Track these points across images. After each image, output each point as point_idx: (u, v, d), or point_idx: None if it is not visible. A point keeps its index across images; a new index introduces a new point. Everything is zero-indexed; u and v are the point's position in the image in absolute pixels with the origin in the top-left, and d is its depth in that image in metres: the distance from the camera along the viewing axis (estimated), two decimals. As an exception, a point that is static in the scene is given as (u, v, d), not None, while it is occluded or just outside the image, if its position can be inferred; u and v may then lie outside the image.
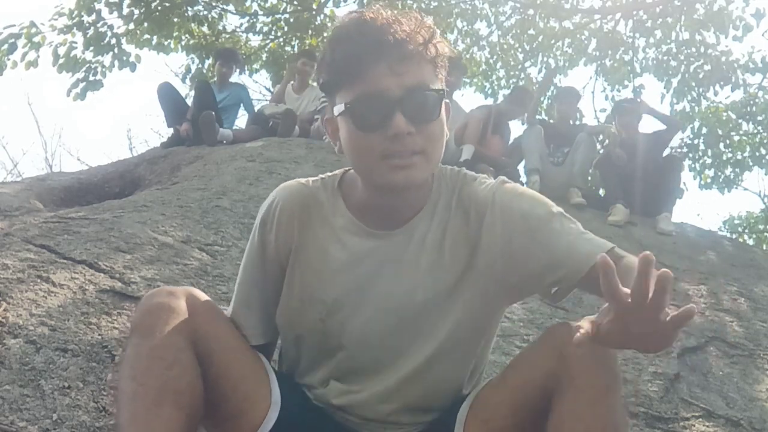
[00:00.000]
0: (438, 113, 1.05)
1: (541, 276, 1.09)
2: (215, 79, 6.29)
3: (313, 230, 1.16)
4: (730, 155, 8.79)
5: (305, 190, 1.18)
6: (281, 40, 9.04)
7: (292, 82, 6.24)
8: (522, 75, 9.06)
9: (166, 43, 8.04)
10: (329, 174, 1.21)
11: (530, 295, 1.23)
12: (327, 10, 8.88)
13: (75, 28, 7.12)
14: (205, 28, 8.51)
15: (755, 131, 8.84)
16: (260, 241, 1.20)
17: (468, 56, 9.16)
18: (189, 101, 6.11)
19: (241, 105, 6.27)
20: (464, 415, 1.12)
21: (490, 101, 7.29)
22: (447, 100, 1.09)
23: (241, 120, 6.92)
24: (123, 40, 7.47)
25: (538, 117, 5.80)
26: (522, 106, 5.72)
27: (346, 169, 1.19)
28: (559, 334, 1.04)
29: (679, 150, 7.76)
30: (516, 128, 6.58)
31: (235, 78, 6.38)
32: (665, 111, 7.00)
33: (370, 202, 1.13)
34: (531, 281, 1.11)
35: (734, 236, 11.13)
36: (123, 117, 29.17)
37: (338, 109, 1.05)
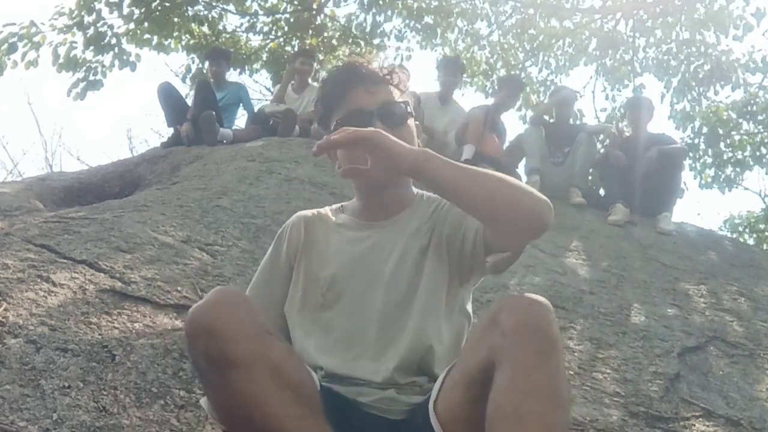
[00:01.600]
0: (406, 119, 1.37)
1: (464, 239, 1.32)
2: (212, 80, 6.31)
3: (317, 232, 1.46)
4: (730, 155, 8.78)
5: (313, 213, 1.51)
6: (281, 40, 9.04)
7: (292, 82, 6.24)
8: (522, 75, 9.06)
9: (166, 42, 8.04)
10: (335, 205, 1.54)
11: (473, 271, 1.36)
12: (327, 10, 8.89)
13: (75, 27, 7.12)
14: (205, 28, 8.51)
15: (756, 131, 8.84)
16: (275, 250, 1.48)
17: (468, 56, 9.16)
18: (189, 101, 6.12)
19: (241, 104, 6.29)
20: (435, 394, 1.19)
21: (490, 101, 7.28)
22: (416, 122, 1.41)
23: (241, 120, 6.93)
24: (123, 40, 7.47)
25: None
26: (513, 95, 5.79)
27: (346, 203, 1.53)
28: (495, 306, 1.15)
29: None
30: (516, 128, 6.57)
31: (234, 77, 6.41)
32: (665, 111, 7.00)
33: (362, 201, 1.45)
34: (461, 247, 1.33)
35: (734, 236, 11.14)
36: (123, 117, 29.19)
37: (332, 128, 1.35)
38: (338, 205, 1.53)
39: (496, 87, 6.08)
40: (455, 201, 1.20)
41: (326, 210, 1.51)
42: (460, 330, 1.39)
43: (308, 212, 1.51)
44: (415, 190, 1.48)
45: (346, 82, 1.37)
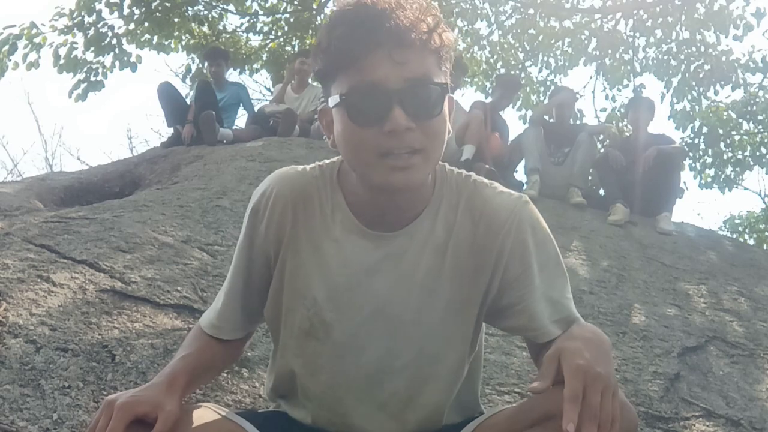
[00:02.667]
0: (440, 109, 0.96)
1: (512, 315, 1.08)
2: (212, 80, 6.32)
3: (307, 223, 1.07)
4: (730, 154, 8.77)
5: (302, 179, 1.09)
6: (281, 40, 9.04)
7: (291, 81, 6.25)
8: (523, 75, 9.06)
9: (166, 43, 8.05)
10: (327, 162, 1.12)
11: (495, 326, 1.17)
12: (327, 10, 8.88)
13: (75, 28, 7.12)
14: (205, 28, 8.52)
15: (756, 130, 8.83)
16: (250, 230, 1.12)
17: (469, 56, 9.16)
18: (189, 101, 6.12)
19: (241, 105, 6.29)
20: None
21: (490, 101, 7.29)
22: (451, 95, 1.00)
23: (241, 120, 6.94)
24: (123, 41, 7.48)
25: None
26: (512, 92, 5.84)
27: None
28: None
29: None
30: (516, 128, 6.58)
31: (234, 77, 6.42)
32: (665, 111, 7.00)
33: (367, 199, 1.04)
34: (504, 313, 1.10)
35: (734, 236, 11.14)
36: (123, 117, 29.18)
37: (333, 100, 0.97)
38: (334, 168, 1.10)
39: (494, 85, 6.11)
40: None
41: (317, 177, 1.09)
42: (476, 380, 1.22)
43: (296, 179, 1.09)
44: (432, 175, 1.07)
45: (363, 37, 0.91)
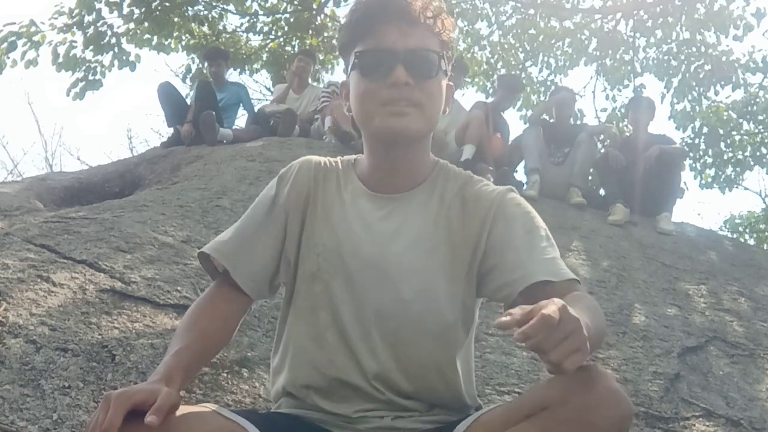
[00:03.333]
0: (436, 72, 1.16)
1: (496, 273, 1.16)
2: (212, 80, 6.32)
3: (325, 191, 1.25)
4: (730, 154, 8.78)
5: (324, 160, 1.30)
6: (281, 40, 9.03)
7: (284, 83, 6.26)
8: (523, 75, 9.06)
9: (166, 42, 8.05)
10: (346, 157, 1.33)
11: (483, 294, 1.22)
12: (327, 10, 8.89)
13: (75, 27, 7.12)
14: (205, 28, 8.52)
15: (756, 131, 8.84)
16: (273, 191, 1.28)
17: (469, 56, 9.16)
18: (189, 101, 6.12)
19: (241, 105, 6.29)
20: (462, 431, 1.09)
21: (491, 100, 7.29)
22: (450, 84, 1.22)
23: (241, 120, 6.94)
24: (123, 40, 7.48)
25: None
26: (513, 93, 5.84)
27: (360, 155, 1.30)
28: (578, 380, 0.96)
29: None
30: (516, 128, 6.58)
31: (234, 77, 6.42)
32: (666, 111, 7.01)
33: (374, 163, 1.23)
34: (489, 275, 1.18)
35: (735, 236, 11.15)
36: (123, 117, 29.17)
37: (350, 63, 1.18)
38: (351, 158, 1.31)
39: (495, 86, 6.12)
40: None
41: (337, 162, 1.30)
42: (469, 355, 1.26)
43: (319, 159, 1.30)
44: (431, 157, 1.27)
45: (379, 13, 1.15)
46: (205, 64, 6.68)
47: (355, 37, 1.17)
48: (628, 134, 5.64)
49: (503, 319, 0.84)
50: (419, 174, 1.23)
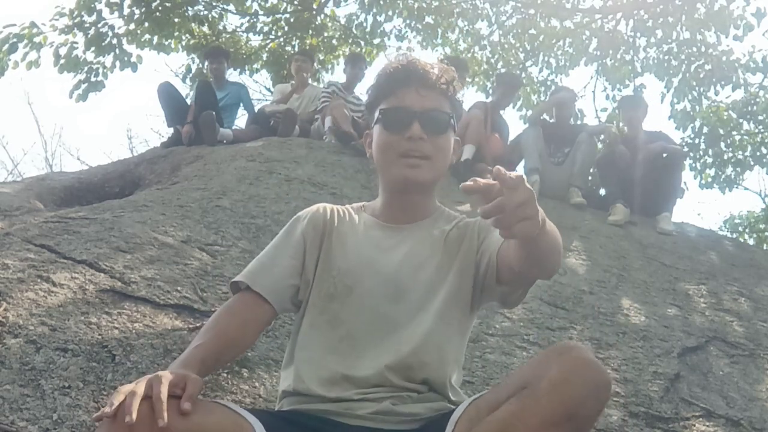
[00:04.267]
0: (446, 130, 1.37)
1: (482, 263, 1.32)
2: (212, 79, 6.32)
3: (339, 223, 1.43)
4: (730, 154, 8.77)
5: (336, 207, 1.48)
6: (281, 40, 9.03)
7: (291, 81, 6.26)
8: (523, 75, 9.06)
9: (166, 43, 8.04)
10: (355, 204, 1.54)
11: (488, 291, 1.35)
12: (327, 10, 8.89)
13: (76, 28, 7.11)
14: (205, 28, 8.52)
15: (756, 131, 8.83)
16: (291, 226, 1.45)
17: (469, 56, 9.16)
18: (189, 101, 6.12)
19: (241, 104, 6.29)
20: (457, 416, 1.15)
21: (490, 100, 7.28)
22: (457, 138, 1.44)
23: (241, 120, 6.93)
24: (124, 41, 7.47)
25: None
26: (513, 90, 5.84)
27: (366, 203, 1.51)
28: (550, 355, 1.10)
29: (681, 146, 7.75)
30: (517, 127, 6.58)
31: (234, 77, 6.42)
32: (665, 111, 7.01)
33: (387, 200, 1.42)
34: (481, 272, 1.33)
35: (735, 236, 11.14)
36: (123, 117, 29.17)
37: (375, 118, 1.39)
38: (360, 204, 1.53)
39: (494, 85, 6.12)
40: (533, 255, 1.12)
41: (348, 207, 1.50)
42: (460, 352, 1.39)
43: (331, 205, 1.49)
44: (436, 202, 1.48)
45: (402, 79, 1.37)
46: (206, 63, 6.69)
47: (381, 96, 1.39)
48: (628, 131, 5.63)
49: (467, 183, 0.97)
50: (425, 212, 1.43)
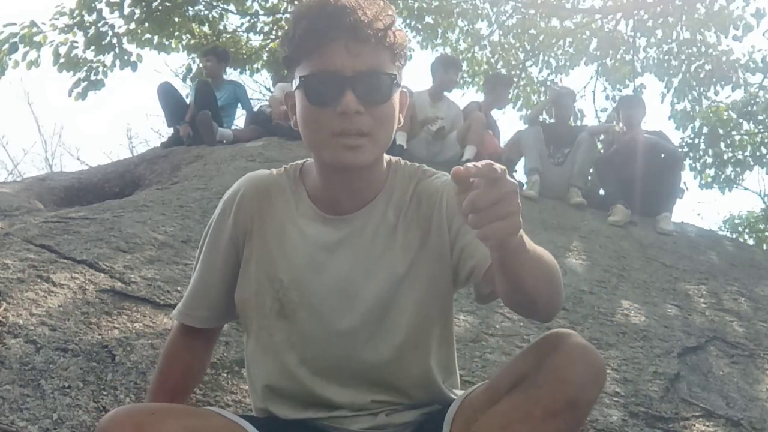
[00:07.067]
0: (389, 97, 1.06)
1: (464, 257, 1.11)
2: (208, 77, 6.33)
3: (272, 214, 1.18)
4: (730, 154, 8.78)
5: (269, 178, 1.21)
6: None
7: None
8: (523, 74, 9.07)
9: (166, 42, 8.04)
10: (292, 163, 1.25)
11: (461, 283, 1.17)
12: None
13: (76, 27, 7.11)
14: (205, 28, 8.52)
15: (756, 131, 8.84)
16: (218, 224, 1.22)
17: (469, 56, 9.17)
18: (189, 101, 6.12)
19: (239, 104, 6.28)
20: (452, 415, 1.12)
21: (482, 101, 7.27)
22: (404, 89, 1.13)
23: (241, 120, 6.93)
24: (124, 40, 7.47)
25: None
26: (505, 91, 5.86)
27: (307, 159, 1.22)
28: (545, 344, 1.05)
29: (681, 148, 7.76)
30: (517, 127, 6.58)
31: (235, 77, 6.43)
32: (665, 111, 7.02)
33: (325, 184, 1.15)
34: (460, 261, 1.13)
35: (735, 236, 11.14)
36: (123, 117, 29.19)
37: (295, 83, 1.08)
38: (298, 166, 1.23)
39: (486, 86, 6.10)
40: (513, 282, 0.93)
41: (282, 176, 1.21)
42: (447, 338, 1.24)
43: (263, 178, 1.21)
44: (383, 165, 1.17)
45: (324, 31, 1.02)
46: (201, 62, 6.78)
47: (300, 53, 1.06)
48: (627, 130, 5.63)
49: (458, 168, 0.80)
50: (374, 188, 1.16)
